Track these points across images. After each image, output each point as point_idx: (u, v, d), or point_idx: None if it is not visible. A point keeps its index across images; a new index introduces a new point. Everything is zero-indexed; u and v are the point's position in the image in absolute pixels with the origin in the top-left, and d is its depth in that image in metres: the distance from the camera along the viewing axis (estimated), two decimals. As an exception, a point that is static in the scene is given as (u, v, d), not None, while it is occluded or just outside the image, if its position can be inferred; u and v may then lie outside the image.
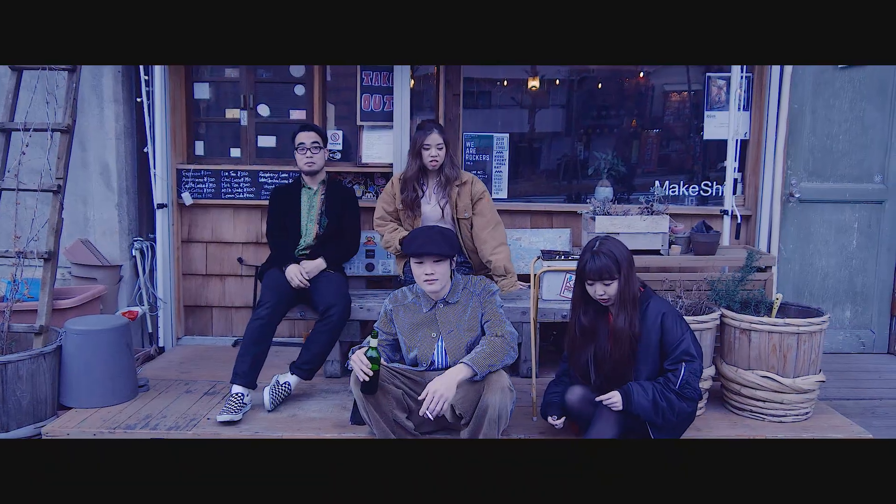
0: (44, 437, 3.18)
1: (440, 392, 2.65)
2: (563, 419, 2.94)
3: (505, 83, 4.67)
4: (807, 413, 3.34)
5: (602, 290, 2.77)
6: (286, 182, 4.39)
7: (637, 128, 4.67)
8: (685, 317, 3.13)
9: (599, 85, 4.68)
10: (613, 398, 2.70)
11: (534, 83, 4.63)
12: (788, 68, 4.17)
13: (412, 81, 4.33)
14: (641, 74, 4.63)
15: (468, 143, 4.49)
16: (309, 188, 3.88)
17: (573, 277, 3.45)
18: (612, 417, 2.75)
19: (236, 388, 3.36)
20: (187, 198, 4.43)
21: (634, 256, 2.91)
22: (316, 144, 3.78)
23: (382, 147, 4.41)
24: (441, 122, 4.39)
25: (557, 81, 4.67)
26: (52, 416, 3.35)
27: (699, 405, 3.33)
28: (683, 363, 2.70)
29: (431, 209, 3.74)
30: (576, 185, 4.65)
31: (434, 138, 3.66)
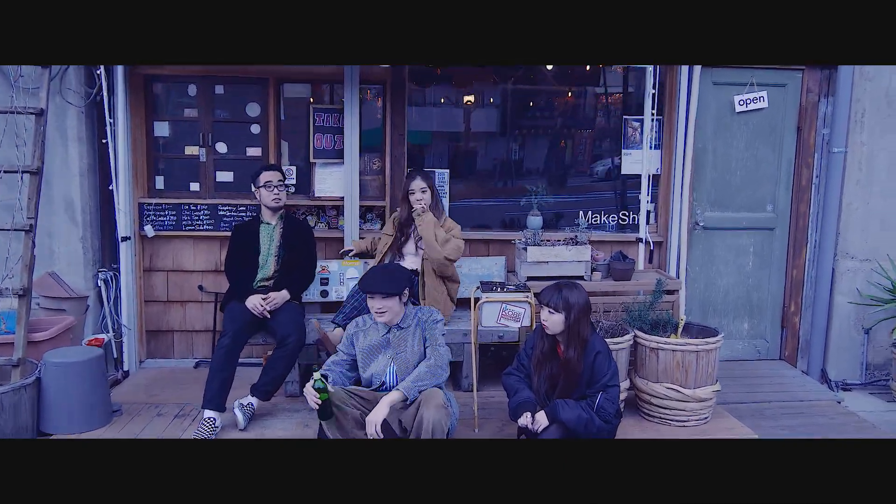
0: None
1: (371, 419, 3.13)
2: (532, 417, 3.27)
3: (442, 101, 5.17)
4: (706, 417, 3.93)
5: (546, 316, 3.28)
6: (244, 216, 4.73)
7: (565, 152, 5.23)
8: (606, 339, 3.66)
9: (531, 103, 5.19)
10: (539, 422, 3.19)
11: (469, 98, 5.13)
12: (693, 112, 4.76)
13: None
14: (570, 94, 5.18)
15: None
16: (268, 223, 4.24)
17: (508, 307, 3.96)
18: (555, 433, 3.18)
19: (208, 413, 3.71)
20: (150, 230, 4.72)
21: (560, 282, 3.38)
22: (281, 182, 4.20)
23: (334, 182, 4.82)
24: (387, 159, 4.82)
25: (491, 100, 5.19)
26: (32, 443, 3.63)
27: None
28: (601, 393, 3.23)
29: (411, 253, 4.29)
30: (511, 209, 5.14)
31: (417, 184, 4.17)
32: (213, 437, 3.63)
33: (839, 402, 4.55)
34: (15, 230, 3.98)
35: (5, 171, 4.03)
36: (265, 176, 4.17)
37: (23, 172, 4.06)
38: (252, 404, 3.89)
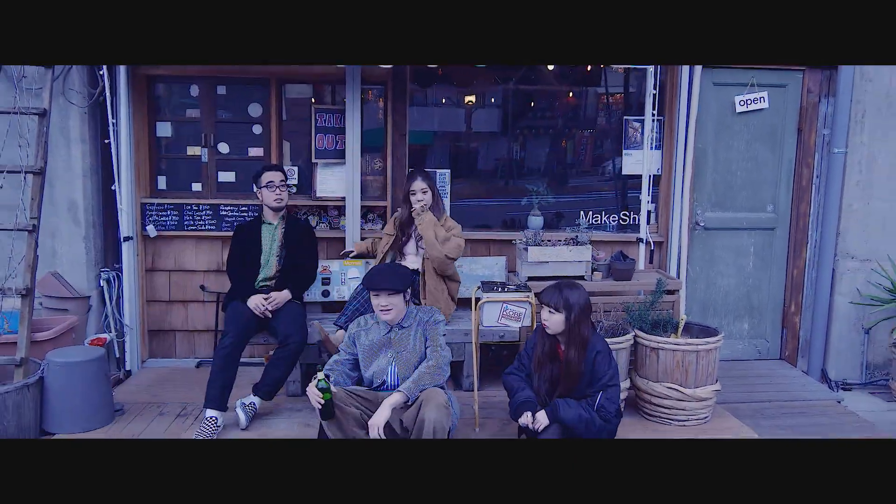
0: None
1: (374, 422, 3.11)
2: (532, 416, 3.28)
3: (443, 101, 5.19)
4: (706, 417, 3.94)
5: (546, 316, 3.29)
6: (246, 216, 4.75)
7: (566, 152, 5.25)
8: (606, 338, 3.67)
9: (532, 103, 5.21)
10: (539, 421, 3.19)
11: (470, 98, 5.16)
12: (694, 113, 4.77)
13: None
14: (571, 94, 5.20)
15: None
16: (270, 224, 4.26)
17: (508, 307, 3.97)
18: (556, 433, 3.18)
19: (209, 413, 3.73)
20: (152, 230, 4.73)
21: (561, 282, 3.38)
22: (283, 182, 4.23)
23: (335, 182, 4.83)
24: (389, 159, 4.83)
25: (493, 100, 5.22)
26: (35, 442, 3.65)
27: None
28: (601, 392, 3.22)
29: (412, 253, 4.33)
30: (511, 210, 5.16)
31: (418, 184, 4.19)
32: (215, 436, 3.65)
33: (839, 402, 4.56)
34: (18, 230, 4.00)
35: (8, 172, 4.05)
36: (267, 176, 4.20)
37: (26, 173, 4.09)
38: (254, 404, 3.91)
